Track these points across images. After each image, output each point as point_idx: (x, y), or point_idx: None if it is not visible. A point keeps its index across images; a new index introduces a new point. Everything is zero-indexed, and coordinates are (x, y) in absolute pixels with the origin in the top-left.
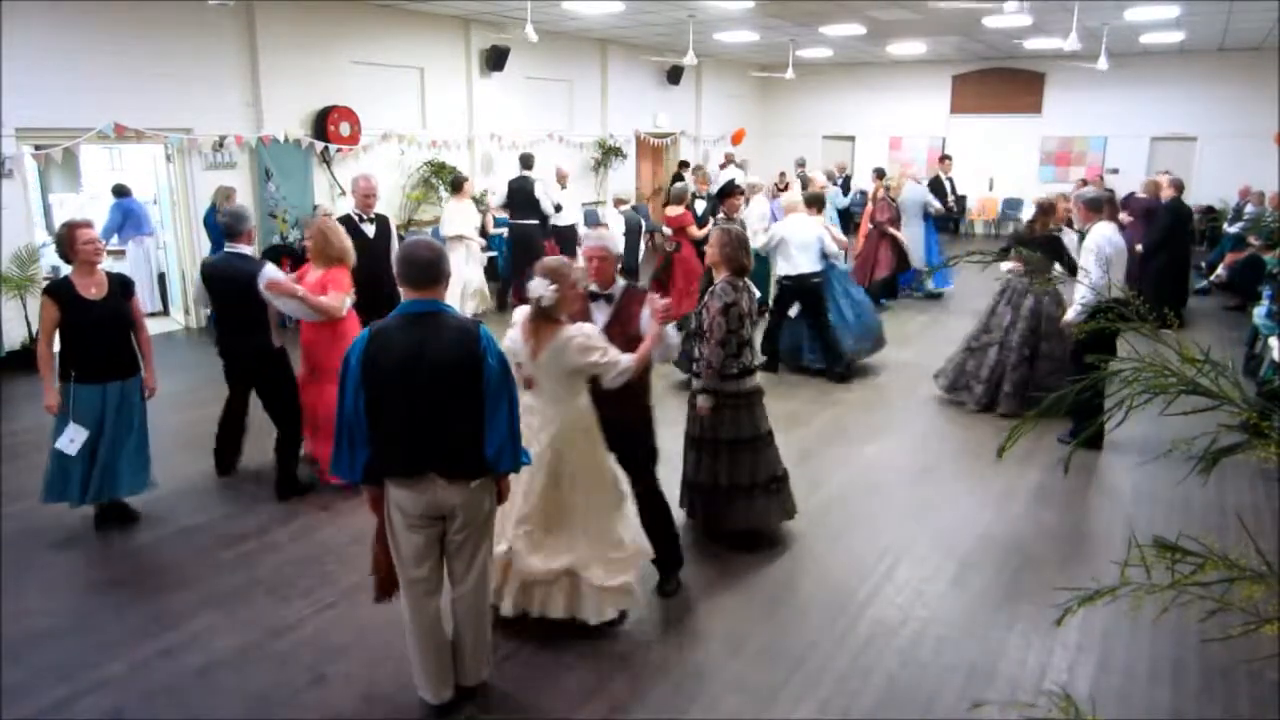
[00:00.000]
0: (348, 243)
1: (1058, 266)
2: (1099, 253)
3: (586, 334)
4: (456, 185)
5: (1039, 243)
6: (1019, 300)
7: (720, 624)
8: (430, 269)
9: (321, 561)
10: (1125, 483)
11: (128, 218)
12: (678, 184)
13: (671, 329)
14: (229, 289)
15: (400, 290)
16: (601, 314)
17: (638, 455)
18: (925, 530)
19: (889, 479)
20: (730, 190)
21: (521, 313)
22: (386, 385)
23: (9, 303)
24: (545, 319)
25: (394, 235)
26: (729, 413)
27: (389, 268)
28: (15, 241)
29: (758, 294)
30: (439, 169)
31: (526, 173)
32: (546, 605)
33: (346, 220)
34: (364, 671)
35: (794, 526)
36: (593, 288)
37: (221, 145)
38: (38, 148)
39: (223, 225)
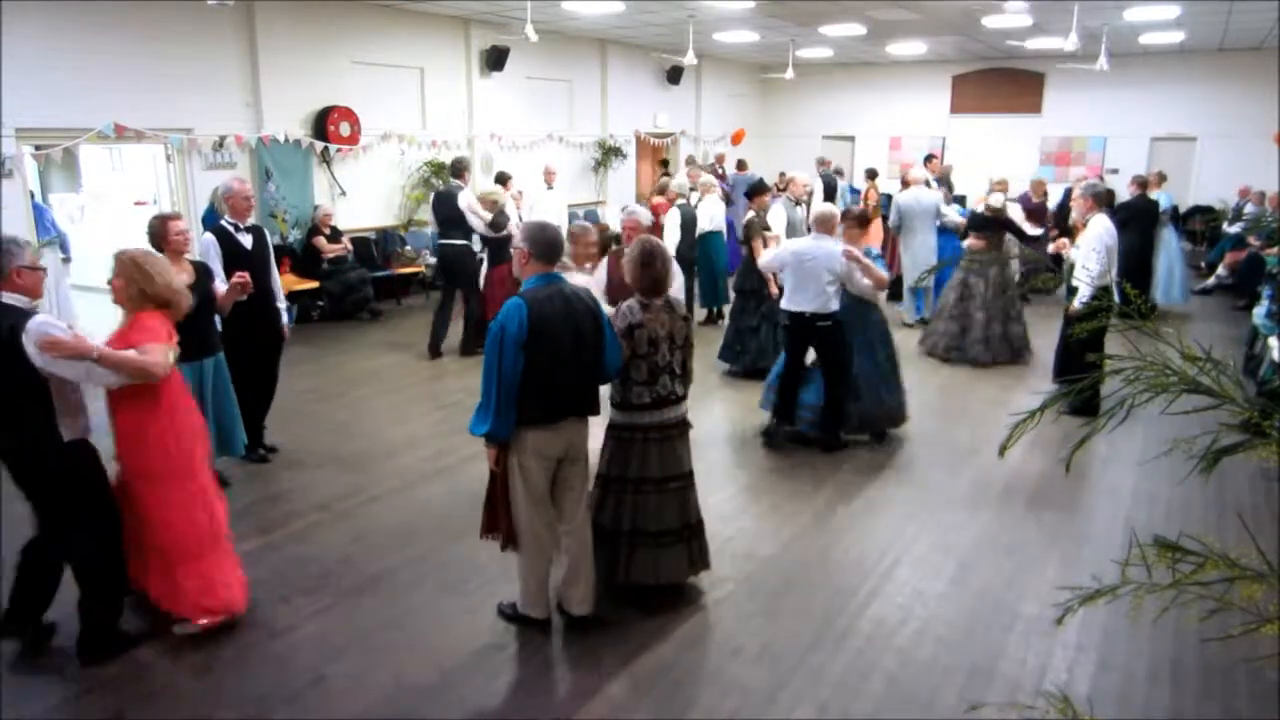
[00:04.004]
0: (174, 280)
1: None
2: (1099, 242)
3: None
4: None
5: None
6: (984, 272)
7: (719, 624)
8: (560, 246)
9: (321, 561)
10: (1125, 483)
11: None
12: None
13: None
14: None
15: (529, 264)
16: None
17: None
18: (924, 530)
19: (885, 478)
20: (762, 188)
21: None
22: (546, 342)
23: None
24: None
25: (270, 247)
26: (639, 447)
27: (270, 283)
28: None
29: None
30: (439, 169)
31: (456, 181)
32: None
33: (220, 230)
34: (364, 671)
35: (792, 527)
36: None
37: (221, 145)
38: (38, 148)
39: None
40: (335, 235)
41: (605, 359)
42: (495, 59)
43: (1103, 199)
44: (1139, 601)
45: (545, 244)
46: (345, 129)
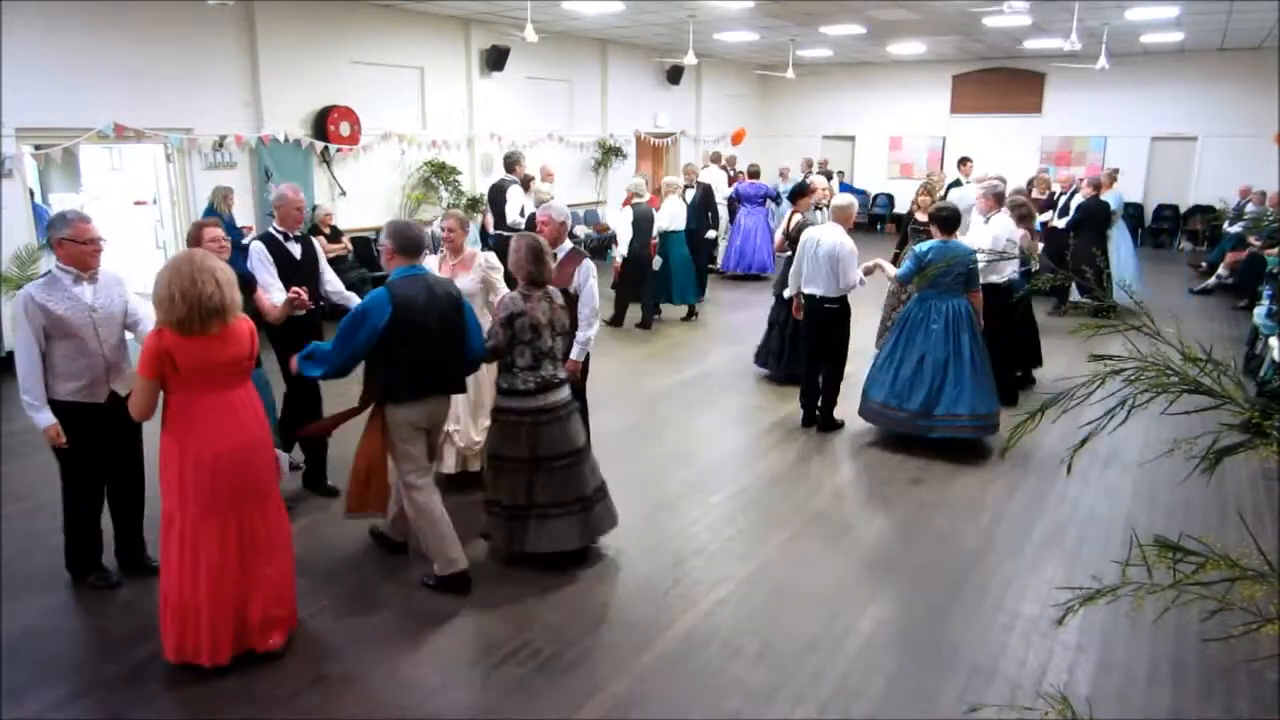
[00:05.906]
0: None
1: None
2: (997, 243)
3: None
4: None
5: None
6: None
7: (720, 624)
8: (420, 241)
9: (322, 561)
10: (1125, 483)
11: None
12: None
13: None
14: None
15: (394, 258)
16: None
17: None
18: (924, 531)
19: (884, 479)
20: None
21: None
22: (412, 328)
23: (9, 303)
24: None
25: (321, 257)
26: (528, 430)
27: (319, 292)
28: (15, 241)
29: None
30: (439, 169)
31: (508, 175)
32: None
33: (268, 239)
34: (364, 671)
35: (792, 527)
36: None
37: (221, 145)
38: (38, 148)
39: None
40: (335, 235)
41: (470, 341)
42: (495, 59)
43: (1002, 199)
44: (1139, 602)
45: (408, 239)
46: (345, 129)
